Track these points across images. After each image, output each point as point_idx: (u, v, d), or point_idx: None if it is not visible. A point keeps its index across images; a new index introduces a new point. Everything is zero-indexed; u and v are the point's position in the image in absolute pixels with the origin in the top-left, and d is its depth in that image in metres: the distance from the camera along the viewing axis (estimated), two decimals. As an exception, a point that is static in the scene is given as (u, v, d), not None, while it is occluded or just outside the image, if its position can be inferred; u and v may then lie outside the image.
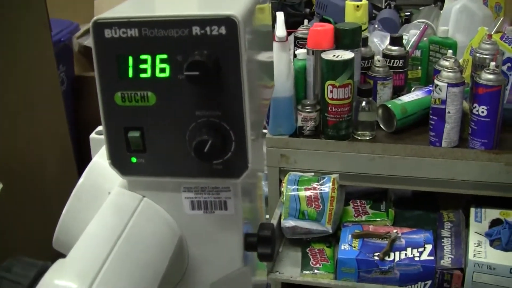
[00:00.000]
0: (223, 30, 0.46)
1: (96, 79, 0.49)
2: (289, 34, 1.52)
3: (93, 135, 0.69)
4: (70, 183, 0.66)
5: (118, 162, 0.52)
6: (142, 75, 0.48)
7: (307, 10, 2.21)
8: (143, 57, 0.48)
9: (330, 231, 1.32)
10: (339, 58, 1.31)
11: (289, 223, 1.34)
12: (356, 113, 1.37)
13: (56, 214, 0.64)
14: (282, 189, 1.37)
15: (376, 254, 1.25)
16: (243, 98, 0.47)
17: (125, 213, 0.51)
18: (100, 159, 0.60)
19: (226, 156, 0.49)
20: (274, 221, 1.36)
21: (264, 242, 0.55)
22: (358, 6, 1.55)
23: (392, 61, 1.44)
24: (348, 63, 1.31)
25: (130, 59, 0.48)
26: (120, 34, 0.48)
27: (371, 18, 1.75)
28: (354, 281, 1.27)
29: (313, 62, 1.38)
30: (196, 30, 0.46)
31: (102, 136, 0.52)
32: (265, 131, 1.44)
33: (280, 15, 1.33)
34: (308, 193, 1.34)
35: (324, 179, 1.35)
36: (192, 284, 0.56)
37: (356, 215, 1.41)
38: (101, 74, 0.49)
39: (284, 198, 1.35)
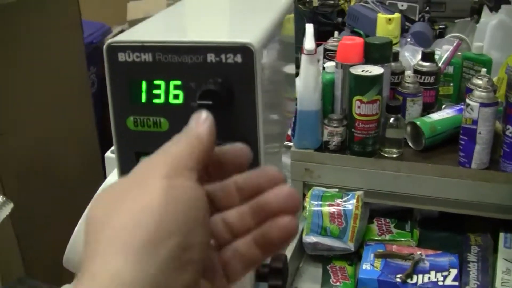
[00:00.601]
0: (238, 59, 0.44)
1: (109, 102, 0.48)
2: (319, 45, 1.50)
3: (108, 154, 0.68)
4: (95, 183, 0.65)
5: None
6: (155, 101, 0.47)
7: (339, 19, 2.18)
8: (156, 82, 0.47)
9: (352, 249, 1.30)
10: (368, 74, 1.28)
11: (310, 238, 1.32)
12: (383, 129, 1.34)
13: (78, 216, 0.63)
14: (305, 204, 1.35)
15: (399, 276, 1.22)
16: (257, 127, 0.46)
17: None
18: (113, 179, 0.59)
19: None
20: (296, 236, 1.34)
21: (275, 274, 0.53)
22: (390, 20, 1.52)
23: (423, 77, 1.41)
24: (377, 78, 1.28)
25: (144, 84, 0.47)
26: (134, 58, 0.46)
27: (404, 31, 1.72)
28: (374, 302, 1.24)
29: (341, 76, 1.35)
30: (211, 57, 0.45)
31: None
32: (290, 144, 1.42)
33: (309, 27, 1.31)
34: (331, 209, 1.31)
35: (348, 196, 1.32)
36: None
37: (379, 233, 1.38)
38: (114, 98, 0.48)
39: (307, 213, 1.32)
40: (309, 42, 1.29)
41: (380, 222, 1.41)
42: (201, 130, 0.37)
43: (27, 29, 1.76)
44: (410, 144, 1.39)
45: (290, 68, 0.67)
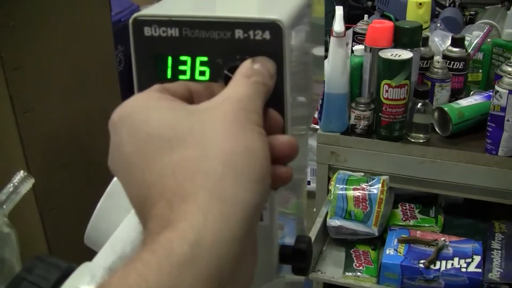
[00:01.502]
0: (267, 35, 0.44)
1: (134, 77, 0.48)
2: (348, 28, 1.49)
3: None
4: None
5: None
6: (181, 77, 0.47)
7: (369, 3, 2.17)
8: (182, 58, 0.46)
9: (376, 233, 1.30)
10: (397, 58, 1.27)
11: (334, 222, 1.32)
12: (411, 114, 1.34)
13: (101, 194, 0.64)
14: (330, 187, 1.36)
15: (422, 261, 1.22)
16: (285, 106, 0.46)
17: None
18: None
19: None
20: (320, 219, 1.35)
21: (299, 256, 0.53)
22: (420, 4, 1.50)
23: (452, 63, 1.40)
24: (405, 63, 1.27)
25: (169, 59, 0.47)
26: (160, 33, 0.46)
27: (434, 16, 1.70)
28: (397, 287, 1.24)
29: (370, 59, 1.35)
30: (239, 33, 0.44)
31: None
32: (316, 126, 1.42)
33: (339, 10, 1.30)
34: (356, 193, 1.31)
35: (374, 180, 1.32)
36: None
37: (404, 218, 1.38)
38: (139, 73, 0.48)
39: (332, 196, 1.33)
40: (338, 24, 1.29)
41: (404, 207, 1.41)
42: (262, 68, 0.38)
43: (55, 5, 1.77)
44: (437, 129, 1.38)
45: (319, 50, 0.66)
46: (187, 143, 0.32)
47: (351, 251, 1.33)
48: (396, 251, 1.25)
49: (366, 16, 1.53)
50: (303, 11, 0.52)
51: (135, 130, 0.34)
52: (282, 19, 0.44)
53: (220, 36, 0.45)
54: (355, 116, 1.36)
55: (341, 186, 1.33)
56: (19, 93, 1.65)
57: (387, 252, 1.26)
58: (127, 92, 2.51)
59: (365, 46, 1.36)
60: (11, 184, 0.72)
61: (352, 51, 1.41)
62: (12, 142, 1.67)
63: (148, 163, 0.32)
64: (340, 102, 1.36)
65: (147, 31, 0.46)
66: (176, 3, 0.52)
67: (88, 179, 2.01)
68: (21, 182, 0.72)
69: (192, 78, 0.47)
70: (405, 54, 1.28)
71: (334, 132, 1.39)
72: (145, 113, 0.35)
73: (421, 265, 1.22)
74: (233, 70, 0.44)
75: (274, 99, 0.46)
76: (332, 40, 1.31)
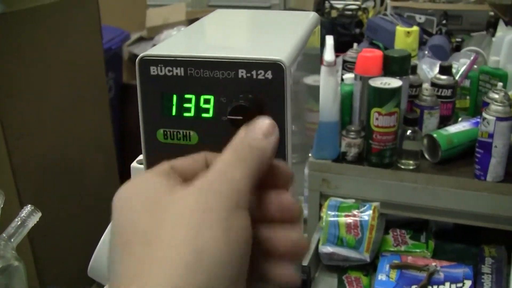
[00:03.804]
0: (269, 75, 0.46)
1: (140, 114, 0.50)
2: (337, 56, 1.52)
3: (134, 164, 0.70)
4: (110, 189, 0.67)
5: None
6: (186, 114, 0.48)
7: (357, 30, 2.21)
8: (187, 96, 0.48)
9: (368, 259, 1.31)
10: (386, 86, 1.30)
11: (326, 249, 1.33)
12: (401, 141, 1.36)
13: (92, 221, 0.65)
14: (321, 214, 1.37)
15: (414, 286, 1.23)
16: (286, 144, 0.47)
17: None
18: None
19: None
20: (312, 246, 1.36)
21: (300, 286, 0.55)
22: (409, 33, 1.53)
23: (440, 90, 1.42)
24: (395, 91, 1.30)
25: (175, 97, 0.48)
26: (166, 72, 0.48)
27: (422, 43, 1.74)
28: (390, 312, 1.25)
29: (360, 87, 1.37)
30: (242, 73, 0.46)
31: (143, 166, 0.52)
32: (308, 154, 1.44)
33: (329, 39, 1.33)
34: (348, 220, 1.33)
35: (365, 207, 1.34)
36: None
37: (395, 244, 1.39)
38: (144, 110, 0.49)
39: (324, 223, 1.34)
40: (329, 53, 1.31)
41: (395, 233, 1.42)
42: (266, 145, 0.36)
43: (48, 33, 1.79)
44: (426, 156, 1.40)
45: (315, 80, 0.68)
46: (153, 248, 0.32)
47: (343, 277, 1.34)
48: (388, 276, 1.26)
49: (355, 44, 1.56)
50: (301, 47, 0.54)
51: (118, 222, 0.35)
52: (284, 59, 0.46)
53: (224, 75, 0.47)
54: (346, 143, 1.38)
55: (333, 213, 1.34)
56: (11, 120, 1.66)
57: (379, 278, 1.26)
58: (117, 119, 2.53)
59: (355, 75, 1.39)
60: (19, 218, 0.72)
61: (342, 79, 1.43)
62: (3, 168, 1.68)
63: (118, 256, 0.33)
64: (331, 130, 1.38)
65: (153, 70, 0.48)
66: (181, 43, 0.54)
67: (80, 205, 2.01)
68: (29, 215, 0.73)
69: (197, 115, 0.48)
70: (394, 83, 1.31)
71: (325, 159, 1.41)
72: (130, 209, 0.35)
73: (413, 291, 1.23)
74: (236, 110, 0.45)
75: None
76: (323, 69, 1.33)
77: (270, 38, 0.59)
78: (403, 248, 1.38)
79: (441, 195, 1.34)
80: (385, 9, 2.12)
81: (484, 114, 1.27)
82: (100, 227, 0.67)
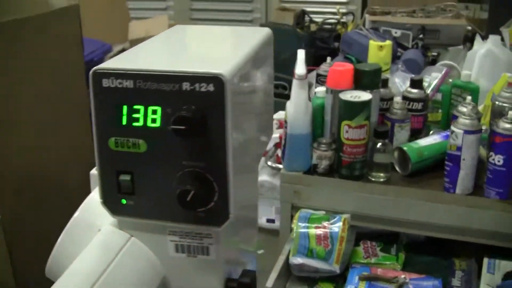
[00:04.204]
0: (211, 88, 0.48)
1: (93, 124, 0.52)
2: (313, 70, 1.54)
3: (93, 171, 0.71)
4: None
5: (109, 202, 0.54)
6: (135, 124, 0.51)
7: (336, 44, 2.23)
8: (136, 107, 0.50)
9: (338, 271, 1.32)
10: (356, 99, 1.31)
11: (297, 260, 1.34)
12: (371, 154, 1.37)
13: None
14: (292, 226, 1.38)
15: (382, 298, 1.24)
16: (227, 152, 0.49)
17: (111, 250, 0.53)
18: (96, 195, 0.62)
19: (209, 205, 0.50)
20: (283, 257, 1.37)
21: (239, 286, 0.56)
22: (381, 47, 1.55)
23: (411, 103, 1.44)
24: (365, 104, 1.31)
25: (125, 108, 0.50)
26: (117, 84, 0.50)
27: (396, 57, 1.76)
28: (358, 324, 1.26)
29: (331, 101, 1.39)
30: (186, 85, 0.48)
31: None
32: (280, 166, 1.45)
33: (301, 53, 1.34)
34: (318, 231, 1.33)
35: (335, 219, 1.35)
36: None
37: (365, 256, 1.40)
38: (97, 120, 0.51)
39: (294, 234, 1.35)
40: (299, 67, 1.33)
41: (366, 245, 1.43)
42: None
43: (28, 46, 1.80)
44: (397, 169, 1.42)
45: (267, 94, 0.70)
46: None
47: (313, 288, 1.35)
48: (357, 288, 1.27)
49: (328, 58, 1.58)
50: (247, 62, 0.55)
51: None
52: (224, 73, 0.48)
53: (170, 87, 0.49)
54: (317, 156, 1.39)
55: (303, 224, 1.35)
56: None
57: (348, 290, 1.27)
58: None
59: (326, 88, 1.40)
60: None
61: (315, 93, 1.45)
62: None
63: None
64: (302, 143, 1.39)
65: (105, 82, 0.50)
66: (133, 57, 0.56)
67: (59, 215, 2.00)
68: None
69: (145, 124, 0.50)
70: (364, 96, 1.33)
71: (297, 171, 1.42)
72: None
73: (381, 303, 1.23)
74: (179, 120, 0.47)
75: (217, 145, 0.49)
76: (294, 82, 1.34)
77: (217, 52, 0.61)
78: (373, 260, 1.38)
79: (411, 208, 1.35)
80: (364, 24, 2.14)
81: (452, 127, 1.28)
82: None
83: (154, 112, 0.50)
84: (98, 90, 0.51)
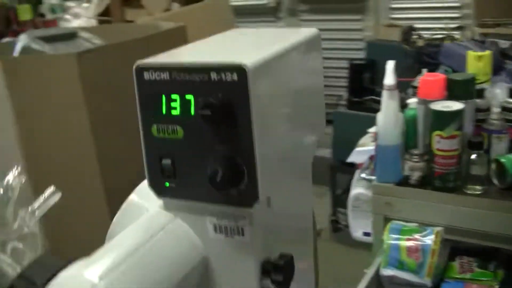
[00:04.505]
0: (235, 77, 0.52)
1: (138, 113, 0.57)
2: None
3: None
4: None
5: (155, 184, 0.59)
6: (173, 112, 0.56)
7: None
8: (173, 96, 0.55)
9: (429, 285, 1.29)
10: (446, 109, 1.29)
11: (387, 272, 1.32)
12: (466, 165, 1.33)
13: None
14: (383, 237, 1.37)
15: (473, 314, 1.19)
16: (253, 138, 0.52)
17: (154, 228, 0.58)
18: (143, 185, 0.67)
19: (239, 186, 0.54)
20: (373, 268, 1.36)
21: (277, 270, 0.58)
22: (480, 57, 1.51)
23: (510, 114, 1.38)
24: (456, 114, 1.28)
25: (163, 97, 0.56)
26: (156, 77, 0.56)
27: (500, 68, 1.69)
28: None
29: (423, 111, 1.37)
30: (213, 75, 0.53)
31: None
32: (373, 177, 1.45)
33: (390, 64, 1.34)
34: (409, 243, 1.31)
35: (427, 231, 1.32)
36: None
37: (460, 271, 1.35)
38: (141, 110, 0.57)
39: (385, 246, 1.34)
40: (388, 77, 1.33)
41: (462, 261, 1.38)
42: None
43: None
44: (495, 181, 1.36)
45: (313, 92, 0.71)
46: None
47: (404, 302, 1.32)
48: (448, 303, 1.23)
49: (424, 70, 1.56)
50: (278, 54, 0.59)
51: None
52: (247, 63, 0.51)
53: (200, 78, 0.54)
54: (409, 167, 1.37)
55: (394, 236, 1.33)
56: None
57: (438, 304, 1.24)
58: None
59: (418, 99, 1.39)
60: (43, 196, 0.84)
61: (407, 104, 1.44)
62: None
63: None
64: (393, 154, 1.38)
65: (146, 75, 0.56)
66: (173, 53, 0.62)
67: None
68: (51, 195, 0.84)
69: (181, 113, 0.55)
70: (456, 106, 1.30)
71: (388, 182, 1.41)
72: None
73: (473, 318, 1.19)
74: (205, 106, 0.52)
75: (243, 134, 0.53)
76: (384, 93, 1.35)
77: (249, 47, 0.65)
78: (468, 275, 1.34)
79: (509, 222, 1.29)
80: (473, 37, 2.08)
81: (553, 137, 1.22)
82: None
83: (188, 101, 0.55)
84: (140, 83, 0.56)
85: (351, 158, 1.57)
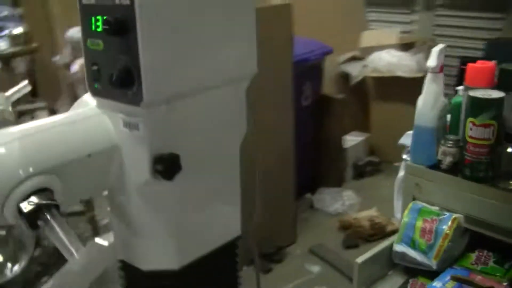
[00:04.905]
0: (127, 1, 0.64)
1: (81, 32, 0.72)
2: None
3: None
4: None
5: (89, 85, 0.73)
6: (98, 29, 0.69)
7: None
8: (97, 17, 0.69)
9: (434, 267, 1.29)
10: (483, 96, 1.27)
11: (399, 247, 1.35)
12: (500, 158, 1.31)
13: None
14: (403, 214, 1.39)
15: (464, 301, 1.19)
16: (139, 51, 0.64)
17: (79, 116, 0.73)
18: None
19: (131, 88, 0.67)
20: (387, 243, 1.39)
21: (161, 161, 0.70)
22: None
23: (560, 113, 1.32)
24: (492, 102, 1.26)
25: (92, 18, 0.70)
26: (88, 2, 0.70)
27: None
28: (437, 320, 1.22)
29: (466, 98, 1.36)
30: (118, 1, 0.66)
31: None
32: (407, 157, 1.46)
33: (437, 47, 1.35)
34: (424, 224, 1.33)
35: (445, 216, 1.32)
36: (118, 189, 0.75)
37: (474, 263, 1.33)
38: (82, 28, 0.72)
39: (402, 223, 1.36)
40: (433, 60, 1.34)
41: (481, 254, 1.36)
42: None
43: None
44: (529, 179, 1.32)
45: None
46: None
47: (410, 280, 1.34)
48: (444, 286, 1.23)
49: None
50: None
51: None
52: None
53: (110, 2, 0.68)
54: (442, 151, 1.37)
55: (412, 216, 1.35)
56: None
57: (434, 284, 1.24)
58: (309, 125, 2.73)
59: (464, 86, 1.38)
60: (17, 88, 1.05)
61: (457, 91, 1.43)
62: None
63: None
64: (427, 136, 1.39)
65: (84, 1, 0.71)
66: None
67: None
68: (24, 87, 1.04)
69: (102, 29, 0.68)
70: (495, 94, 1.28)
71: (421, 164, 1.42)
72: None
73: (463, 304, 1.18)
74: (105, 23, 0.67)
75: (135, 45, 0.65)
76: (428, 75, 1.36)
77: None
78: (479, 267, 1.31)
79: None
80: None
81: None
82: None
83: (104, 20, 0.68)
84: (81, 6, 0.72)
85: (402, 140, 1.59)
